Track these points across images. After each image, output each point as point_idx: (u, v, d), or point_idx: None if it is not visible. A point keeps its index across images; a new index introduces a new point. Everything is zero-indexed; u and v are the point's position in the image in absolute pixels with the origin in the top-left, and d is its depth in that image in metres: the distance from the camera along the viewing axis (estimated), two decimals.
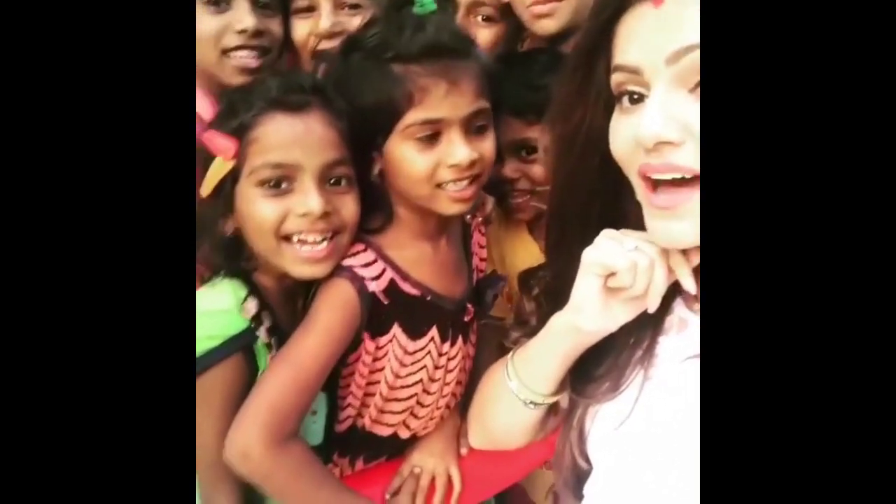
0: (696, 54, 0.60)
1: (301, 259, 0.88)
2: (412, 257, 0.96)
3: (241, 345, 0.87)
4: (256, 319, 0.88)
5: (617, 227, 0.75)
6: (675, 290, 0.84)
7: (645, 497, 0.76)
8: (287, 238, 0.88)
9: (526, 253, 1.20)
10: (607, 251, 0.72)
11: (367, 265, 0.91)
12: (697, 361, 0.73)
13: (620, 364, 0.82)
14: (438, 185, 0.89)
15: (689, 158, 0.63)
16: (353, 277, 0.89)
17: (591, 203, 0.78)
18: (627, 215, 0.77)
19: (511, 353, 0.91)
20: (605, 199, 0.76)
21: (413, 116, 0.86)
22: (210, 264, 0.93)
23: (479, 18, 1.22)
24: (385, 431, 1.02)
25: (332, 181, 0.89)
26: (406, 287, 0.94)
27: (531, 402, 0.85)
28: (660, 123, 0.62)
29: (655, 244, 0.71)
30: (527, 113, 1.09)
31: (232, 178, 0.88)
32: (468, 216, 1.12)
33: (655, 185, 0.66)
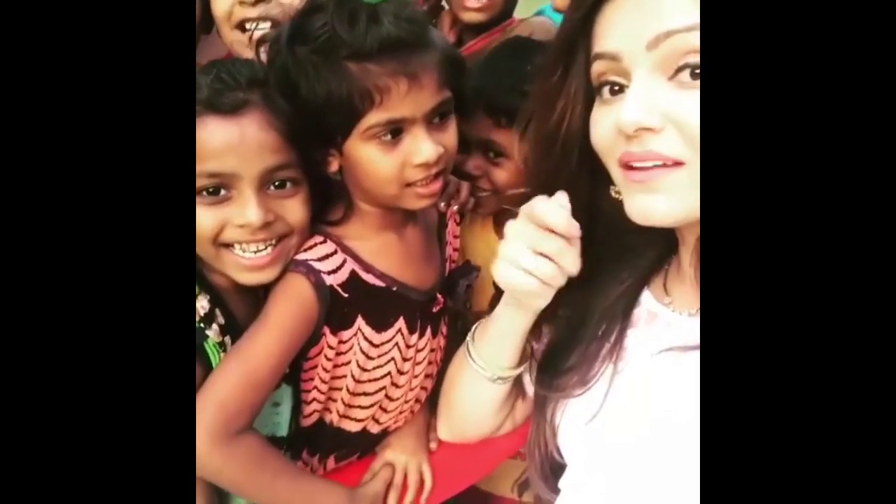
0: (676, 39, 0.60)
1: (243, 266, 0.86)
2: (376, 247, 0.93)
3: None
4: (207, 319, 0.86)
5: (592, 225, 0.76)
6: (642, 283, 0.82)
7: (620, 490, 0.75)
8: (228, 245, 0.85)
9: (486, 248, 1.17)
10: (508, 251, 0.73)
11: (324, 258, 0.88)
12: (672, 354, 0.72)
13: (589, 356, 0.82)
14: (406, 185, 0.86)
15: (670, 145, 0.62)
16: (309, 271, 0.86)
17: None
18: (601, 213, 0.77)
19: (470, 335, 0.90)
20: (582, 197, 0.75)
21: (375, 118, 0.81)
22: None
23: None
24: (354, 427, 1.00)
25: (275, 184, 0.85)
26: (369, 278, 0.91)
27: (498, 378, 0.87)
28: (640, 110, 0.62)
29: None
30: (500, 115, 1.06)
31: None
32: (442, 205, 1.10)
33: (633, 169, 0.67)
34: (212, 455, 0.81)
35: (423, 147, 0.83)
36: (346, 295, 0.89)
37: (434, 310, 1.00)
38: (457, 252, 1.11)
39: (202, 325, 0.85)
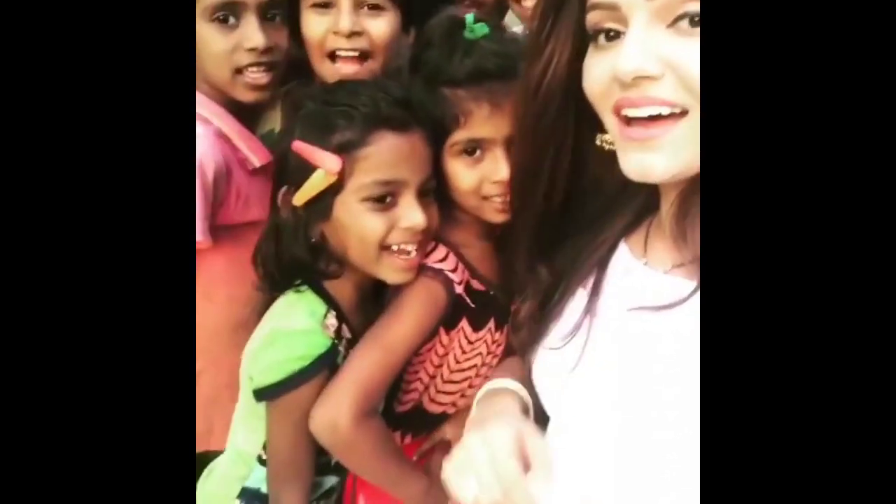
0: None
1: (399, 268, 0.95)
2: (478, 255, 1.04)
3: (327, 363, 0.93)
4: (338, 335, 0.95)
5: (575, 179, 0.78)
6: (620, 236, 0.80)
7: (600, 440, 0.73)
8: (387, 248, 0.94)
9: None
10: (454, 471, 0.70)
11: (454, 270, 0.99)
12: (644, 313, 0.70)
13: (568, 309, 0.81)
14: (485, 198, 0.97)
15: (668, 92, 0.61)
16: (446, 281, 0.98)
17: (548, 151, 0.77)
18: (586, 166, 0.78)
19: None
20: (564, 148, 0.77)
21: (459, 136, 0.94)
22: (272, 274, 0.98)
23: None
24: (437, 409, 1.12)
25: (425, 194, 0.95)
26: (475, 284, 1.02)
27: None
28: (639, 56, 0.61)
29: (510, 472, 0.67)
30: None
31: (332, 189, 0.90)
32: None
33: (630, 121, 0.65)
34: (350, 430, 0.90)
35: (501, 167, 0.95)
36: (472, 305, 0.99)
37: (512, 308, 1.12)
38: None
39: (335, 341, 0.94)
